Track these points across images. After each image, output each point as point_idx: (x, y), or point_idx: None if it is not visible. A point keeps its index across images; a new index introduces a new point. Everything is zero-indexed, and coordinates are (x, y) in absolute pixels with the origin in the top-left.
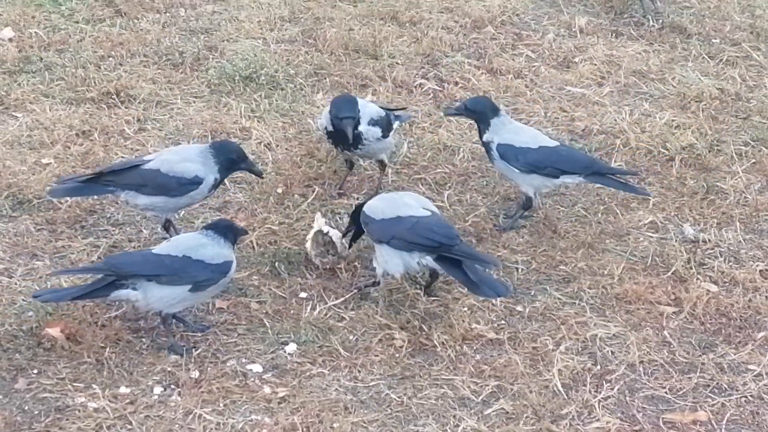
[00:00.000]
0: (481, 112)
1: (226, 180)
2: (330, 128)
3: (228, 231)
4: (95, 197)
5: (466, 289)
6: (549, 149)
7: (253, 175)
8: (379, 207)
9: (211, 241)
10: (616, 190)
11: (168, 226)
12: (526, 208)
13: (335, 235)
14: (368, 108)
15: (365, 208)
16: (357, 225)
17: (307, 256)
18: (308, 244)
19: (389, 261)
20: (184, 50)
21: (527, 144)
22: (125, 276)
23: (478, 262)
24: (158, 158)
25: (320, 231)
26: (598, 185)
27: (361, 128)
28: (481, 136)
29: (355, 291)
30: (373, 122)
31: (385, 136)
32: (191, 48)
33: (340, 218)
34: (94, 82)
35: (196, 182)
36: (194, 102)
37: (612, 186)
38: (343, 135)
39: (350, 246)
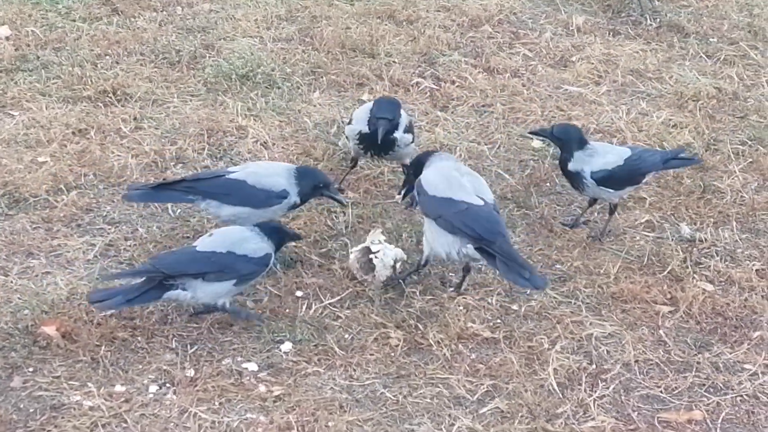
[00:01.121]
0: (567, 142)
1: None
2: (366, 130)
3: (273, 232)
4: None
5: (505, 279)
6: (632, 160)
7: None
8: (435, 181)
9: (253, 235)
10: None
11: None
12: (611, 213)
13: (380, 262)
14: (403, 115)
15: (422, 177)
16: (411, 182)
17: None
18: (352, 257)
19: (436, 239)
20: (181, 49)
21: (617, 163)
22: (174, 276)
23: (514, 265)
24: (244, 170)
25: (368, 248)
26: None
27: (396, 134)
28: (564, 166)
29: (399, 282)
30: (406, 129)
31: (413, 141)
32: (188, 46)
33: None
34: (91, 81)
35: (282, 197)
36: (191, 100)
37: (675, 167)
38: (376, 137)
39: (403, 197)
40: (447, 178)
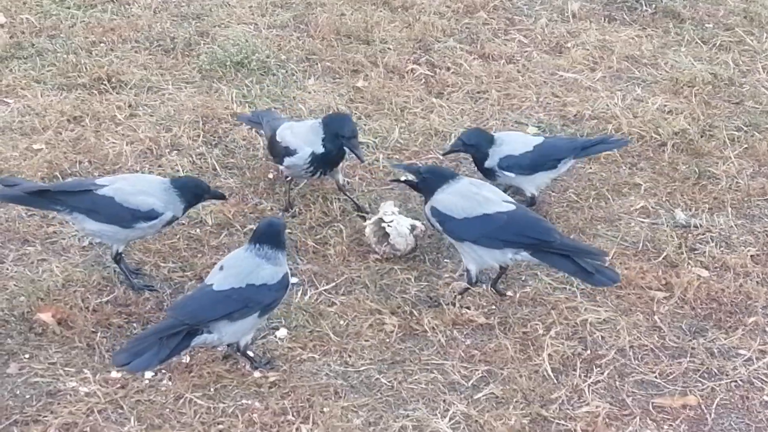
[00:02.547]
0: (478, 144)
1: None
2: (320, 151)
3: (276, 237)
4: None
5: (577, 279)
6: (543, 147)
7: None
8: (456, 203)
9: (264, 257)
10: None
11: (119, 259)
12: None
13: (393, 230)
14: None
15: (438, 206)
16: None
17: (365, 242)
18: (367, 230)
19: (483, 257)
20: (176, 36)
21: (525, 150)
22: (200, 324)
23: (585, 254)
24: (112, 185)
25: (381, 219)
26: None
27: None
28: (480, 166)
29: (455, 296)
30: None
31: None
32: (182, 34)
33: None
34: (86, 68)
35: (150, 217)
36: (185, 87)
37: (599, 152)
38: (336, 157)
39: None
40: (467, 196)
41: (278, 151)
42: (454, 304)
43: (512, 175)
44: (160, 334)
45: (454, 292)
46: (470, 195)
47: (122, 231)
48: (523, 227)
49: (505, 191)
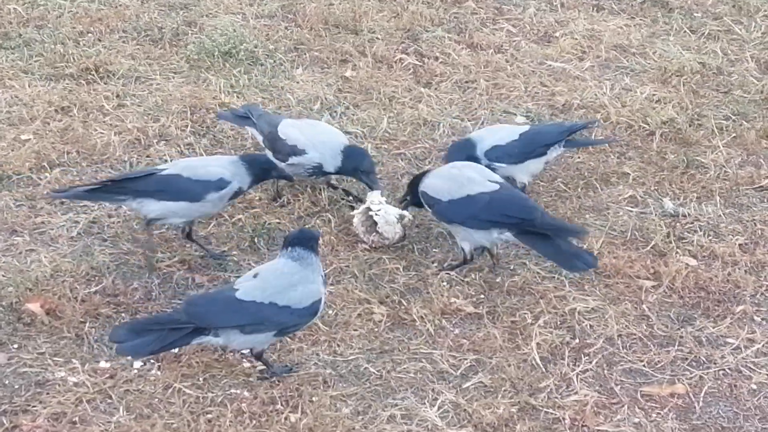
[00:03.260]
0: (469, 157)
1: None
2: (328, 169)
3: (311, 245)
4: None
5: (553, 263)
6: (529, 134)
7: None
8: (443, 186)
9: (301, 275)
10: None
11: (190, 235)
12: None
13: (381, 219)
14: None
15: (427, 189)
16: (414, 196)
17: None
18: (355, 219)
19: (472, 237)
20: (163, 26)
21: (511, 138)
22: (207, 327)
23: (566, 233)
24: (177, 165)
25: (369, 208)
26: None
27: None
28: None
29: (446, 271)
30: None
31: None
32: (170, 23)
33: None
34: (73, 58)
35: (220, 186)
36: (173, 77)
37: (586, 144)
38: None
39: (405, 207)
40: (451, 177)
41: (282, 149)
42: (450, 276)
43: (503, 165)
44: (166, 325)
45: (442, 281)
46: (454, 176)
47: (192, 206)
48: (506, 206)
49: None
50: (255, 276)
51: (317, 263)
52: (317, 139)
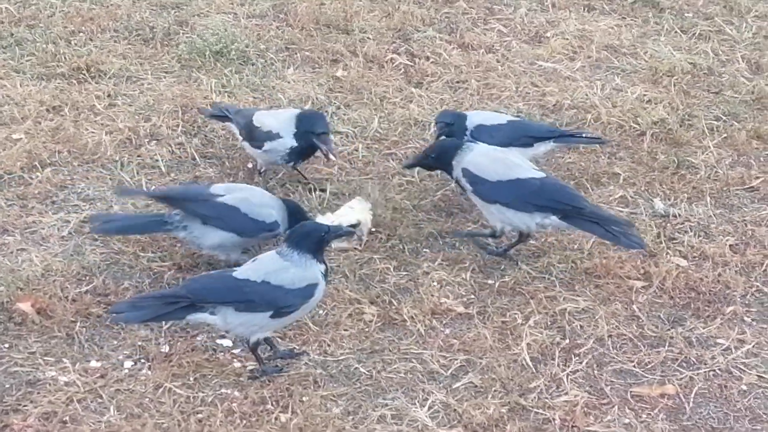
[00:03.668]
0: (458, 121)
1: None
2: (294, 144)
3: (308, 241)
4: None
5: (606, 240)
6: (517, 121)
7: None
8: (489, 166)
9: (293, 261)
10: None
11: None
12: None
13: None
14: None
15: (470, 167)
16: (439, 164)
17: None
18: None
19: (511, 219)
20: (155, 25)
21: (498, 121)
22: (202, 302)
23: (612, 222)
24: (233, 195)
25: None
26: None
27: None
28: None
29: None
30: None
31: None
32: (162, 23)
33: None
34: (65, 58)
35: (272, 229)
36: (165, 77)
37: (576, 143)
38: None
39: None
40: (494, 159)
41: (257, 136)
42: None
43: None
44: (164, 299)
45: (433, 281)
46: (500, 159)
47: (239, 240)
48: (556, 193)
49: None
50: (253, 261)
51: (314, 261)
52: (287, 121)
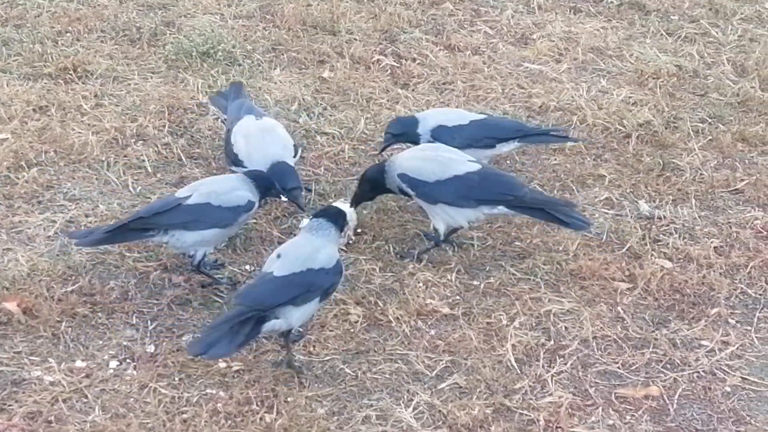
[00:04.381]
0: (406, 131)
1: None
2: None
3: (339, 223)
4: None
5: (553, 225)
6: (480, 121)
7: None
8: (426, 168)
9: (319, 242)
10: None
11: (201, 265)
12: None
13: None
14: None
15: (407, 172)
16: (366, 192)
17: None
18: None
19: (455, 216)
20: (142, 26)
21: (458, 122)
22: (267, 309)
23: (555, 206)
24: (198, 192)
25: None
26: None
27: None
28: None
29: (414, 258)
30: None
31: None
32: (148, 23)
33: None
34: (52, 58)
35: (249, 209)
36: (151, 77)
37: (546, 141)
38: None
39: (355, 205)
40: (431, 159)
41: (228, 154)
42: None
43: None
44: (231, 322)
45: (418, 282)
46: (433, 158)
47: (223, 232)
48: (495, 185)
49: None
50: (278, 257)
51: (335, 236)
52: (260, 151)
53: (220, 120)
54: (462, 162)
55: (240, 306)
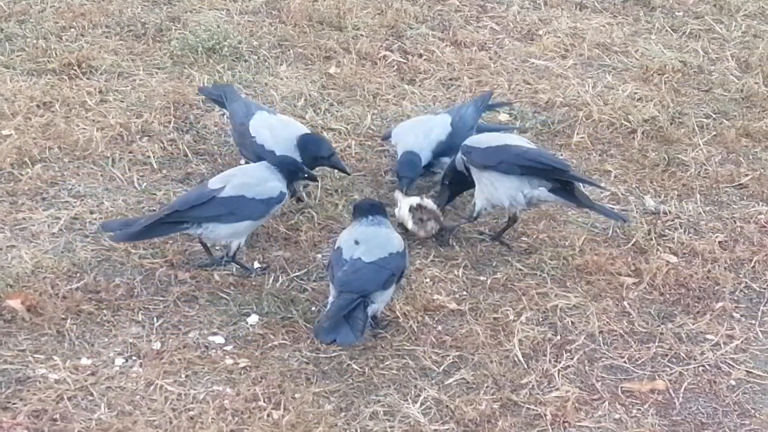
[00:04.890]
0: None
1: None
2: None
3: (380, 209)
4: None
5: (594, 212)
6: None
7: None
8: (482, 139)
9: (387, 231)
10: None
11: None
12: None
13: (428, 203)
14: None
15: (466, 141)
16: (452, 186)
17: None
18: (409, 224)
19: (498, 187)
20: (147, 21)
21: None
22: (369, 295)
23: (593, 185)
24: (231, 183)
25: (412, 206)
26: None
27: None
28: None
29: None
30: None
31: None
32: (154, 19)
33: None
34: (56, 53)
35: (280, 200)
36: (156, 73)
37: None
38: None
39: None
40: (493, 136)
41: (251, 148)
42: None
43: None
44: (345, 310)
45: (425, 277)
46: (495, 136)
47: (255, 223)
48: (541, 155)
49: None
50: (356, 243)
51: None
52: (286, 139)
53: (225, 116)
54: (519, 139)
55: (347, 293)
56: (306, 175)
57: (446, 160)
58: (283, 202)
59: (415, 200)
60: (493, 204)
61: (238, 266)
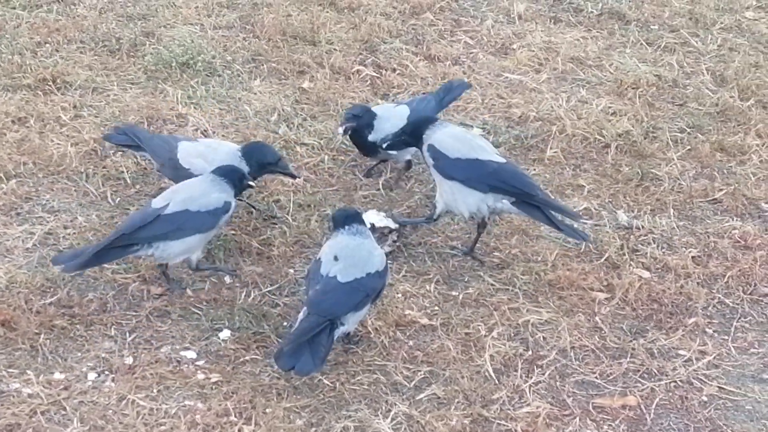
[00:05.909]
0: (366, 116)
1: None
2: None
3: (358, 218)
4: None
5: (552, 228)
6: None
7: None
8: (452, 144)
9: (369, 243)
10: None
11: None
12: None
13: (390, 222)
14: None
15: (435, 143)
16: (410, 141)
17: None
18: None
19: (461, 199)
20: (121, 36)
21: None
22: (338, 317)
23: (560, 211)
24: (174, 200)
25: (372, 225)
26: None
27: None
28: (362, 141)
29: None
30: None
31: None
32: (128, 34)
33: None
34: (31, 69)
35: (226, 210)
36: (131, 88)
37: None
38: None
39: (387, 146)
40: (463, 140)
41: (182, 179)
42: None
43: (394, 153)
44: (309, 333)
45: (397, 292)
46: (466, 139)
47: (206, 236)
48: (512, 177)
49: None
50: (335, 258)
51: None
52: (217, 159)
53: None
54: (490, 152)
55: (314, 316)
56: (251, 183)
57: (394, 153)
58: (231, 211)
59: (372, 218)
60: (451, 210)
61: (210, 271)
